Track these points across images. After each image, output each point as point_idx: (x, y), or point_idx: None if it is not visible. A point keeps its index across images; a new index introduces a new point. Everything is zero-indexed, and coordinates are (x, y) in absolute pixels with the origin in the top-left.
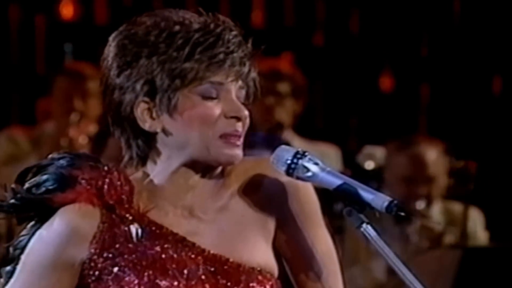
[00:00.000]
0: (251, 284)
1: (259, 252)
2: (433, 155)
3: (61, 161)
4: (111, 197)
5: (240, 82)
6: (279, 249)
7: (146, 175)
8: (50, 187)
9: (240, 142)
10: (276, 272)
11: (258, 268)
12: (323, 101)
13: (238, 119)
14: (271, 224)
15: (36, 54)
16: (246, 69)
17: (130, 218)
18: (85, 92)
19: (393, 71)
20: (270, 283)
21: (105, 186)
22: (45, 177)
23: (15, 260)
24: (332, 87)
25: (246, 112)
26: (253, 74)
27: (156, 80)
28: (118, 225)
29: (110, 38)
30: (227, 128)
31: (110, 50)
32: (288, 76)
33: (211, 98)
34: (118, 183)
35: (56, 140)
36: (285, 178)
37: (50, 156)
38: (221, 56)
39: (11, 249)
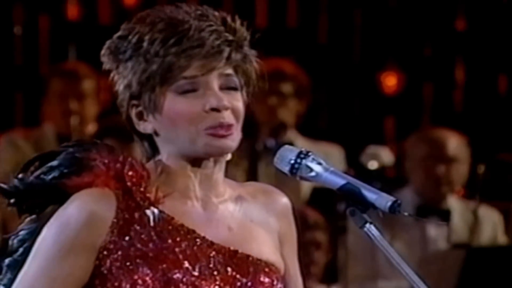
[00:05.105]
0: (258, 276)
1: (268, 250)
2: (453, 139)
3: (75, 148)
4: (131, 179)
5: (224, 70)
6: None
7: (156, 167)
8: (65, 171)
9: (230, 132)
10: (282, 271)
11: (265, 260)
12: (327, 101)
13: (219, 110)
14: (276, 237)
15: (40, 55)
16: (225, 55)
17: (146, 203)
18: (80, 93)
19: (396, 71)
20: (276, 275)
21: (126, 167)
22: (56, 162)
23: (14, 252)
24: (335, 87)
25: (225, 102)
26: (237, 57)
27: (133, 83)
28: (133, 212)
29: None
30: (210, 122)
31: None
32: (291, 76)
33: (187, 93)
34: (137, 167)
35: (57, 143)
36: (288, 202)
37: (62, 145)
38: (190, 49)
39: (10, 241)
